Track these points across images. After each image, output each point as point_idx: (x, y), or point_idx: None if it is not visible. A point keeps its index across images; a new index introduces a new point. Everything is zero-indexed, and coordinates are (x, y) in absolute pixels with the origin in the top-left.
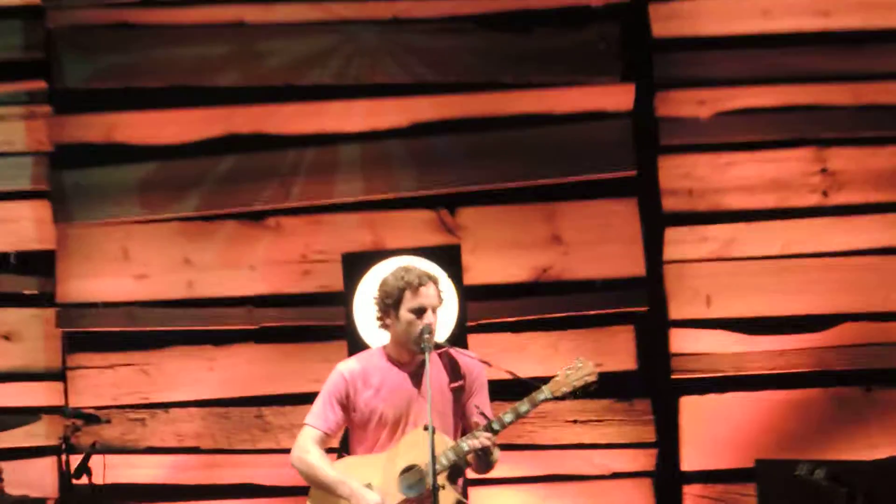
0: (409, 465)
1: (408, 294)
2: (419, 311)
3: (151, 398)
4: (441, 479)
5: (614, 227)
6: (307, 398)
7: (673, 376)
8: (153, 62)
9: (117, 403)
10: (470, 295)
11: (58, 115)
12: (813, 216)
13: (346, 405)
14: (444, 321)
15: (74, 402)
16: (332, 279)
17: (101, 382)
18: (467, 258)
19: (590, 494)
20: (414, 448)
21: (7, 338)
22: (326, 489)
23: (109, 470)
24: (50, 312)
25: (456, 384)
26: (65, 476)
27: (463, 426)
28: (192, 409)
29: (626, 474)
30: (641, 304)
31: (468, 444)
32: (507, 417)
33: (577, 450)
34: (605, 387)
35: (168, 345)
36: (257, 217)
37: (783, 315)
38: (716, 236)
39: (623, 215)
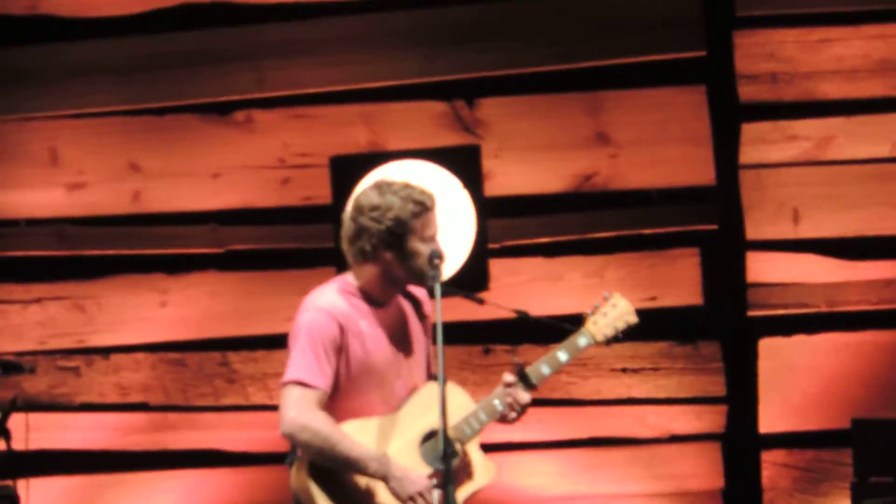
0: (431, 431)
1: (422, 218)
2: (431, 239)
3: (88, 341)
4: (474, 445)
5: (677, 123)
6: (284, 341)
7: (749, 313)
8: None
9: (44, 348)
10: (492, 209)
11: None
12: None
13: (338, 357)
14: (454, 243)
15: None
16: (317, 189)
17: (23, 321)
18: (489, 163)
19: (643, 462)
20: (431, 409)
21: None
22: (347, 465)
23: (34, 433)
24: None
25: (423, 323)
26: None
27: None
28: (139, 355)
29: (689, 437)
30: (710, 220)
31: (502, 401)
32: (545, 369)
33: (627, 406)
34: (663, 326)
35: (109, 273)
36: (222, 110)
37: (891, 235)
38: (807, 134)
39: (688, 107)
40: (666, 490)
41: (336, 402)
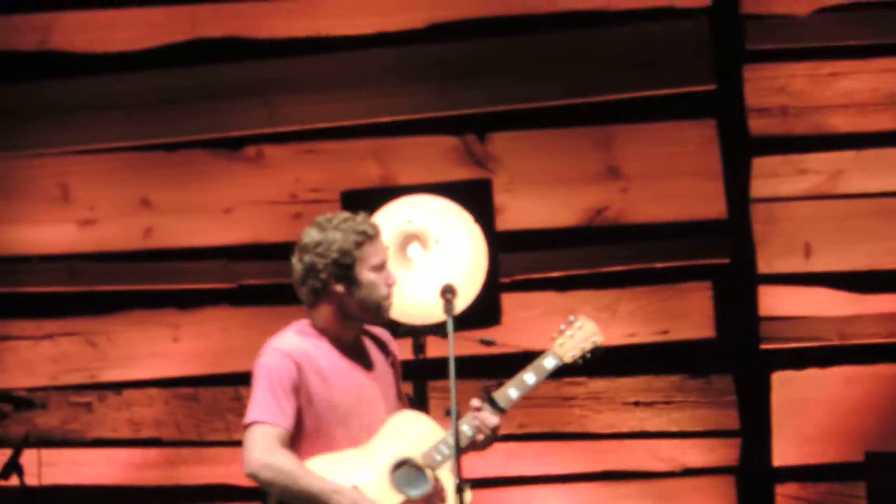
0: (402, 460)
1: (367, 247)
2: (380, 268)
3: (100, 377)
4: (445, 472)
5: (687, 157)
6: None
7: (762, 346)
8: None
9: (56, 384)
10: (504, 244)
11: None
12: None
13: (298, 396)
14: (466, 277)
15: (2, 383)
16: None
17: (35, 357)
18: (501, 197)
19: (656, 495)
20: (399, 438)
21: None
22: (311, 500)
23: (47, 468)
24: None
25: (388, 359)
26: None
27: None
28: (152, 391)
29: (703, 470)
30: (722, 254)
31: (471, 426)
32: (513, 392)
33: (640, 439)
34: (676, 359)
35: (121, 308)
36: (233, 145)
37: None
38: (818, 168)
39: (699, 141)
40: None
41: (302, 441)
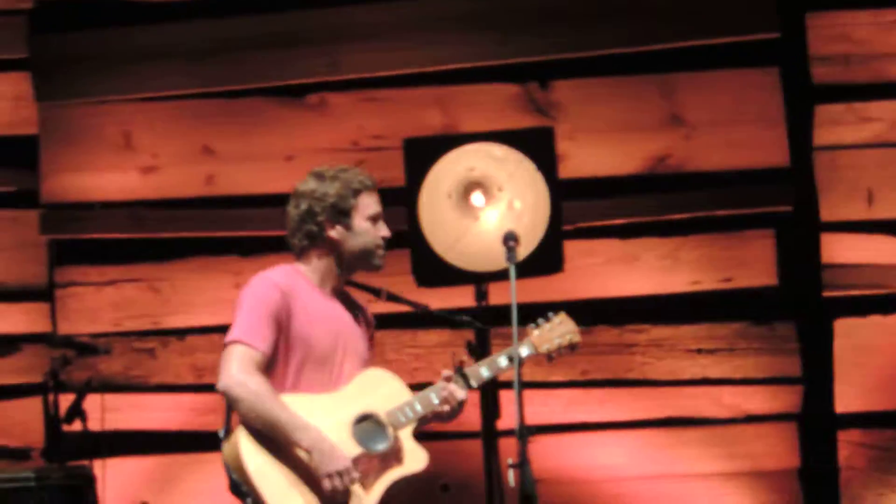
0: (364, 414)
1: (364, 197)
2: (375, 219)
3: (163, 323)
4: (406, 433)
5: (750, 105)
6: (391, 320)
7: (824, 294)
8: None
9: (120, 330)
10: (566, 191)
11: None
12: None
13: (280, 326)
14: (529, 225)
15: (65, 329)
16: (391, 171)
17: (98, 303)
18: (563, 145)
19: (718, 442)
20: (367, 393)
21: None
22: (276, 430)
23: (109, 413)
24: (32, 215)
25: (363, 316)
26: (53, 421)
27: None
28: (214, 337)
29: (765, 417)
30: (785, 202)
31: (439, 395)
32: (484, 371)
33: (702, 386)
34: (739, 307)
35: (184, 255)
36: (296, 93)
37: None
38: (881, 116)
39: (761, 89)
40: (742, 469)
41: (274, 375)
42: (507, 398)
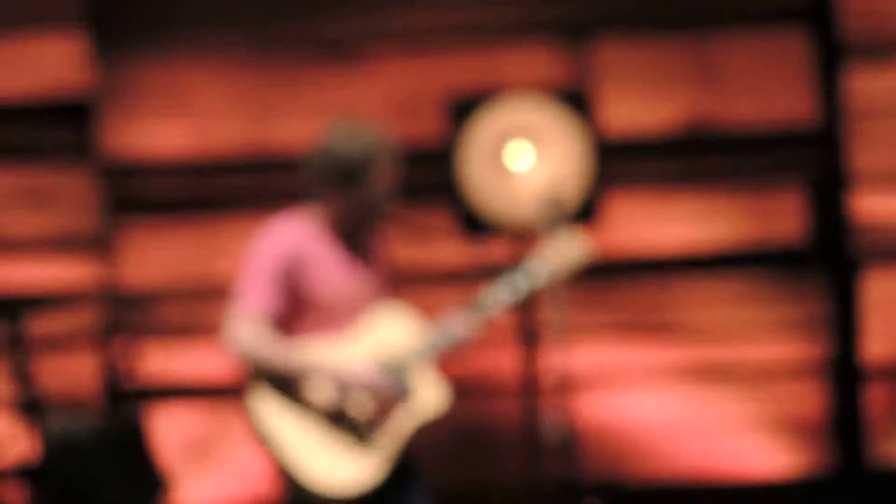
0: (384, 353)
1: (377, 159)
2: (386, 179)
3: (216, 273)
4: (428, 372)
5: (784, 64)
6: (410, 273)
7: (854, 245)
8: None
9: (175, 281)
10: (605, 147)
11: None
12: None
13: (291, 284)
14: (568, 178)
15: (121, 280)
16: (433, 127)
17: (153, 256)
18: (602, 101)
19: (750, 392)
20: (385, 334)
21: (36, 201)
22: (292, 376)
23: (166, 362)
24: (89, 170)
25: (382, 258)
26: (111, 370)
27: None
28: None
29: (796, 367)
30: (817, 158)
31: (454, 327)
32: (504, 296)
33: (735, 336)
34: (771, 259)
35: (239, 206)
36: (341, 49)
37: None
38: None
39: (795, 48)
40: (773, 418)
41: (292, 322)
42: (546, 349)
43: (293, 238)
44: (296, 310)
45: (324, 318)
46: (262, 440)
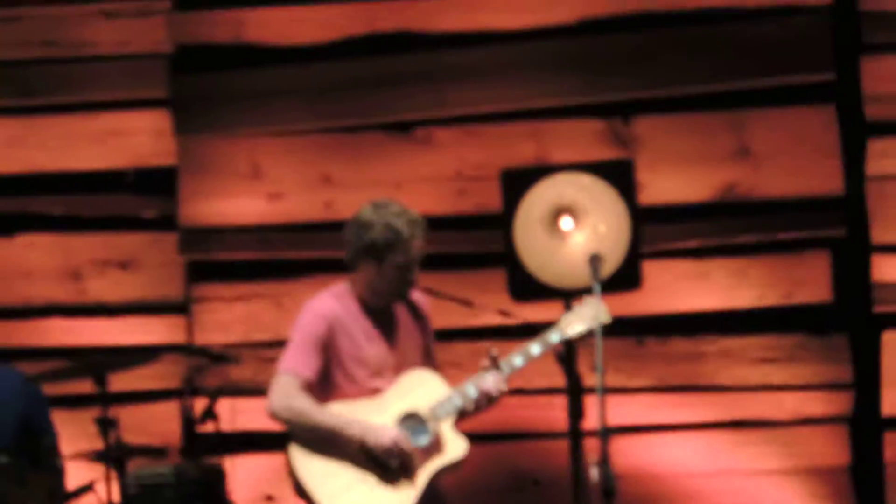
0: (409, 412)
1: (399, 246)
2: (404, 267)
3: (286, 334)
4: (448, 426)
5: (810, 138)
6: (462, 334)
7: (875, 309)
8: None
9: (248, 340)
10: (645, 216)
11: (179, 12)
12: None
13: (327, 352)
14: (611, 246)
15: (200, 340)
16: (489, 198)
17: (229, 317)
18: (642, 174)
19: (779, 441)
20: (409, 393)
21: (124, 266)
22: (328, 433)
23: (239, 415)
24: (172, 237)
25: (419, 325)
26: (189, 422)
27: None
28: None
29: (820, 419)
30: (840, 226)
31: (476, 387)
32: (517, 361)
33: (766, 392)
34: (799, 320)
35: (306, 273)
36: (405, 128)
37: None
38: None
39: (820, 124)
40: (798, 467)
41: (332, 391)
42: (591, 402)
43: (332, 309)
44: (334, 375)
45: (352, 385)
46: (298, 491)
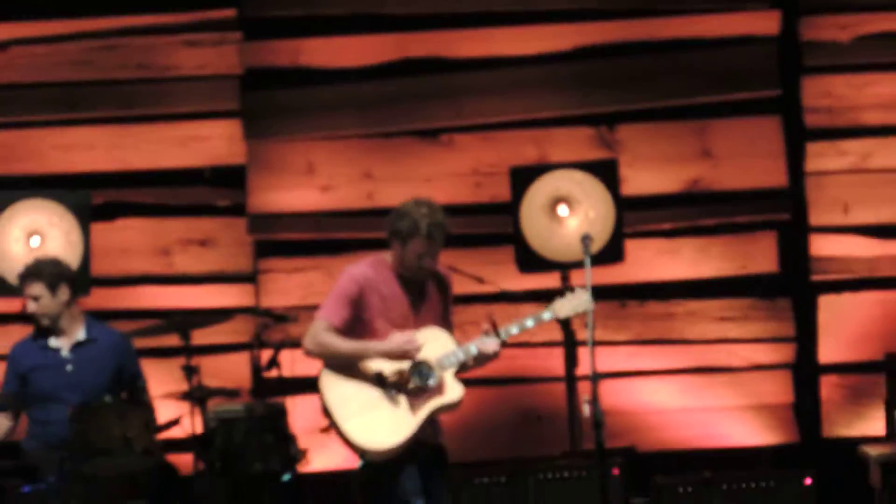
0: (421, 360)
1: (416, 239)
2: (422, 255)
3: None
4: (451, 374)
5: (760, 142)
6: (477, 299)
7: (812, 278)
8: None
9: (304, 304)
10: (626, 205)
11: (248, 42)
12: None
13: (357, 307)
14: (599, 228)
15: (265, 303)
16: (500, 190)
17: (289, 285)
18: (624, 171)
19: (734, 385)
20: (425, 346)
21: (203, 244)
22: (350, 359)
23: (297, 364)
24: (242, 221)
25: (442, 295)
26: (256, 369)
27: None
28: None
29: (768, 366)
30: (784, 212)
31: (477, 347)
32: (514, 329)
33: (723, 344)
34: (751, 287)
35: (350, 250)
36: (432, 134)
37: None
38: (853, 150)
39: (768, 131)
40: (751, 404)
41: (363, 339)
42: (583, 353)
43: (365, 274)
44: (358, 328)
45: (378, 336)
46: (325, 412)
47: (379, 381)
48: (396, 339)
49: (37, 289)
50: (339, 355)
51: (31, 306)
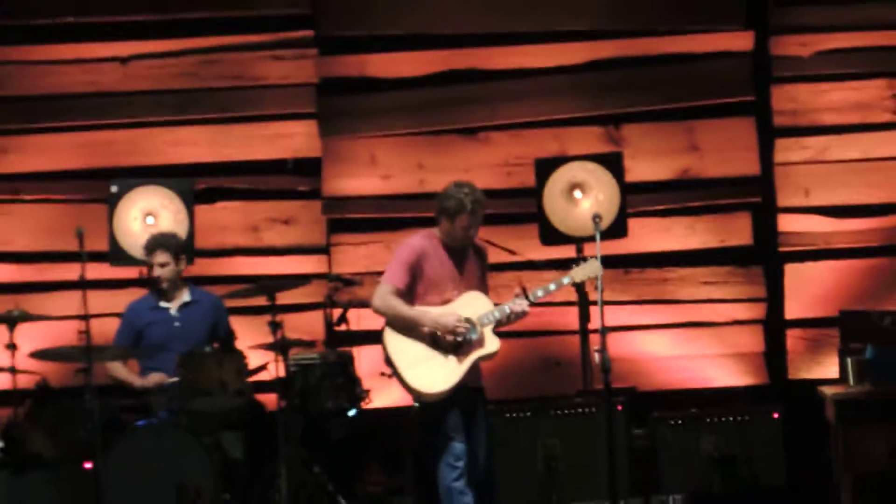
0: (465, 318)
1: (462, 215)
2: (466, 228)
3: None
4: (489, 330)
5: (737, 138)
6: (509, 267)
7: (780, 249)
8: (395, 14)
9: (368, 271)
10: (629, 190)
11: (323, 56)
12: (886, 130)
13: (415, 272)
14: (607, 209)
15: (336, 270)
16: (528, 178)
17: (355, 255)
18: (628, 162)
19: (716, 337)
20: (468, 306)
21: (286, 223)
22: (411, 322)
23: (362, 319)
24: (317, 204)
25: (481, 264)
26: (329, 324)
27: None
28: None
29: (744, 322)
30: (757, 195)
31: (510, 307)
32: (539, 293)
33: (707, 304)
34: (729, 257)
35: (406, 227)
36: (472, 132)
37: (863, 203)
38: (813, 145)
39: (744, 129)
40: (730, 353)
41: (418, 300)
42: (594, 310)
43: (421, 244)
44: (415, 289)
45: (431, 295)
46: (387, 361)
47: (433, 338)
48: (450, 319)
49: (163, 257)
50: (402, 318)
51: (157, 271)
